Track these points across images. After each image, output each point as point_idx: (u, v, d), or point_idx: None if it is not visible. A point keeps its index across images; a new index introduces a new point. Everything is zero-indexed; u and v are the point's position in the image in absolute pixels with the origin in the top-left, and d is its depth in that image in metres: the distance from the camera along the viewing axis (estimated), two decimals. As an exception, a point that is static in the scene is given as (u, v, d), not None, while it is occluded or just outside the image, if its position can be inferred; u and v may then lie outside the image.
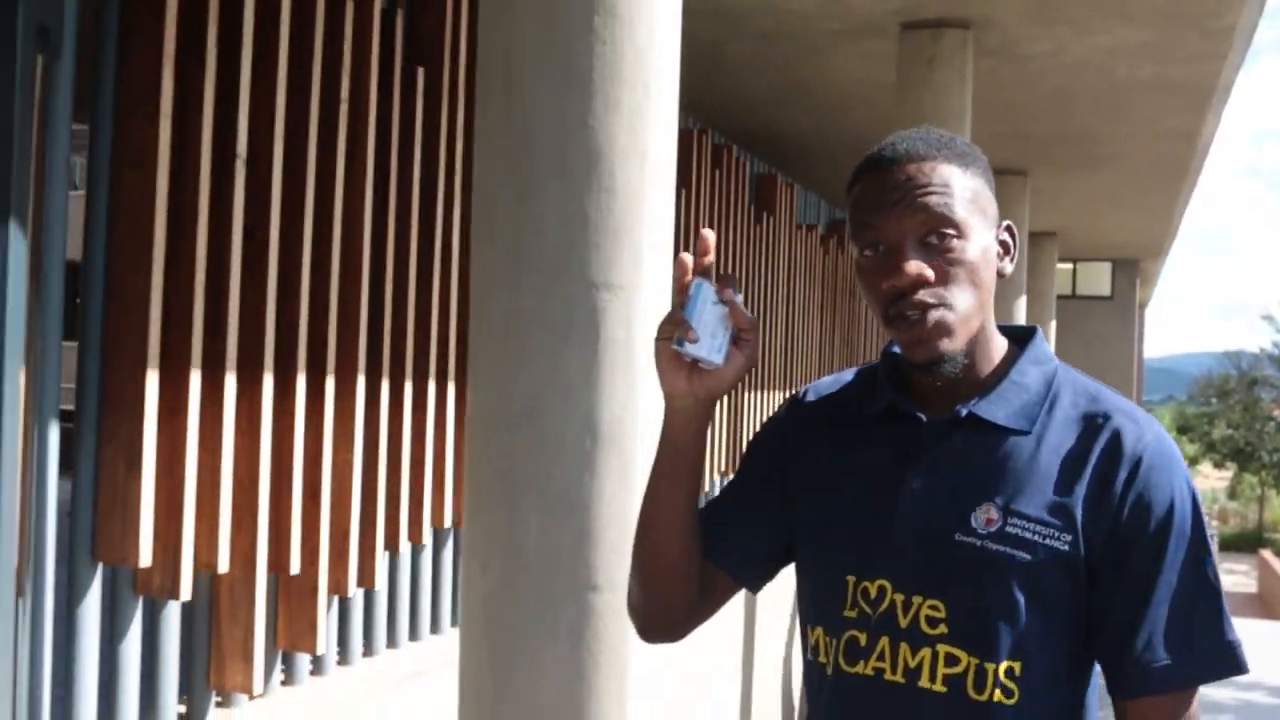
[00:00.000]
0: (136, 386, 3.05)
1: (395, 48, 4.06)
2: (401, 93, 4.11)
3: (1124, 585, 1.34)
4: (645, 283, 2.60)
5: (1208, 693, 12.46)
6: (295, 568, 3.59)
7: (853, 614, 1.41)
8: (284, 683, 3.79)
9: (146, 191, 3.04)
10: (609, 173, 2.56)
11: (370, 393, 3.96)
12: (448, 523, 4.42)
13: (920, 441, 1.42)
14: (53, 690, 2.90)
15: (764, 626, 8.43)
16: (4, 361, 2.37)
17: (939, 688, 1.35)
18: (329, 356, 3.70)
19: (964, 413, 1.40)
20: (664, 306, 2.59)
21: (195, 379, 3.19)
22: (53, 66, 2.58)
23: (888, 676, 1.38)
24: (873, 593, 1.40)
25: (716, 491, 6.90)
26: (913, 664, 1.36)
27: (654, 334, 1.43)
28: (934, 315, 1.35)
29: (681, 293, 1.37)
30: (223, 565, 3.30)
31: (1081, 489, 1.35)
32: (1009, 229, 1.45)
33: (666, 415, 1.45)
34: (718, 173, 7.57)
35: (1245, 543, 38.05)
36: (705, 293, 1.36)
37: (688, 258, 1.37)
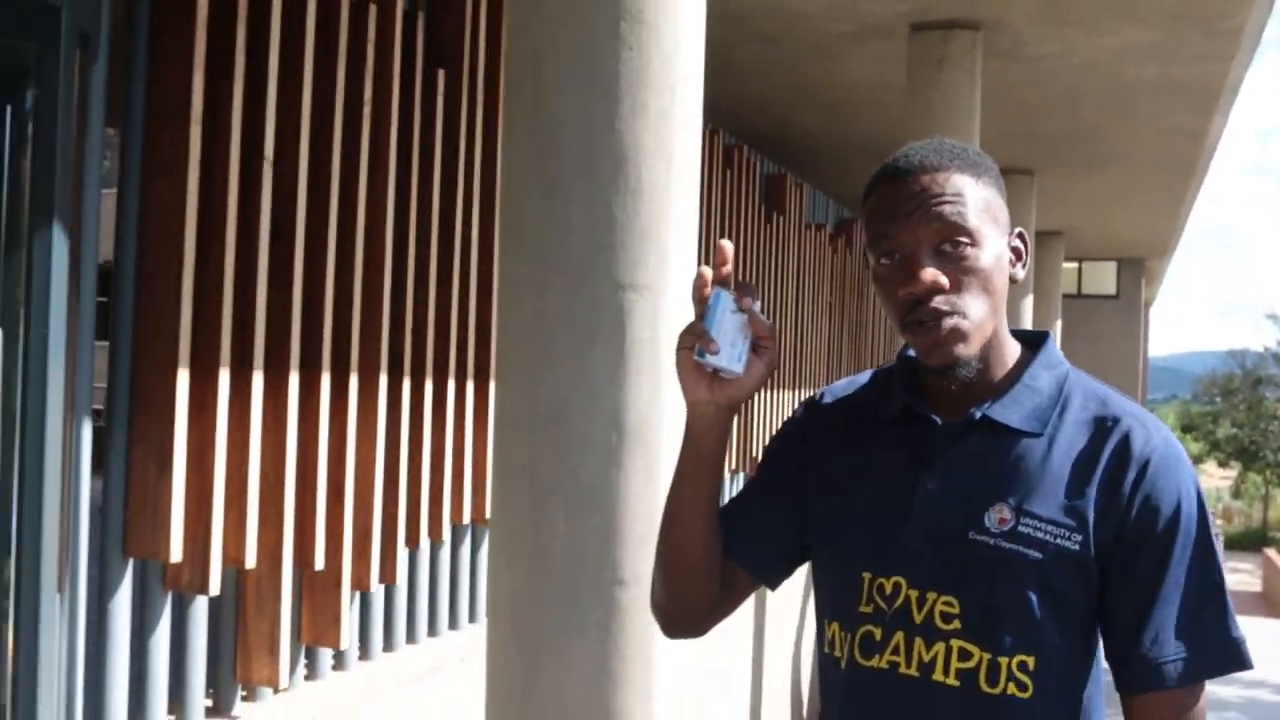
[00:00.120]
0: (167, 386, 3.10)
1: (416, 50, 4.11)
2: (422, 94, 4.15)
3: (1132, 583, 1.39)
4: (671, 283, 2.65)
5: (1213, 690, 12.47)
6: (319, 563, 3.64)
7: (868, 609, 1.45)
8: (306, 677, 3.84)
9: (177, 195, 3.09)
10: (635, 175, 2.60)
11: (392, 392, 4.01)
12: (466, 519, 4.47)
13: (935, 444, 1.46)
14: (86, 681, 2.96)
15: (775, 616, 8.48)
16: (47, 363, 2.42)
17: (952, 681, 1.39)
18: (352, 356, 3.76)
19: (978, 415, 1.44)
20: (688, 307, 2.63)
21: (224, 378, 3.24)
22: (89, 71, 2.63)
23: (902, 670, 1.42)
24: (888, 589, 1.44)
25: (729, 489, 6.95)
26: (927, 658, 1.40)
27: (678, 336, 1.47)
28: (949, 322, 1.39)
29: (701, 304, 1.41)
30: (250, 561, 3.35)
31: (1092, 490, 1.39)
32: (1021, 236, 1.49)
33: (689, 421, 1.49)
34: (729, 173, 7.61)
35: (1250, 541, 38.03)
36: (724, 302, 1.40)
37: (707, 270, 1.41)
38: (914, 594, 1.42)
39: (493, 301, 4.52)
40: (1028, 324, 10.83)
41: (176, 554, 3.12)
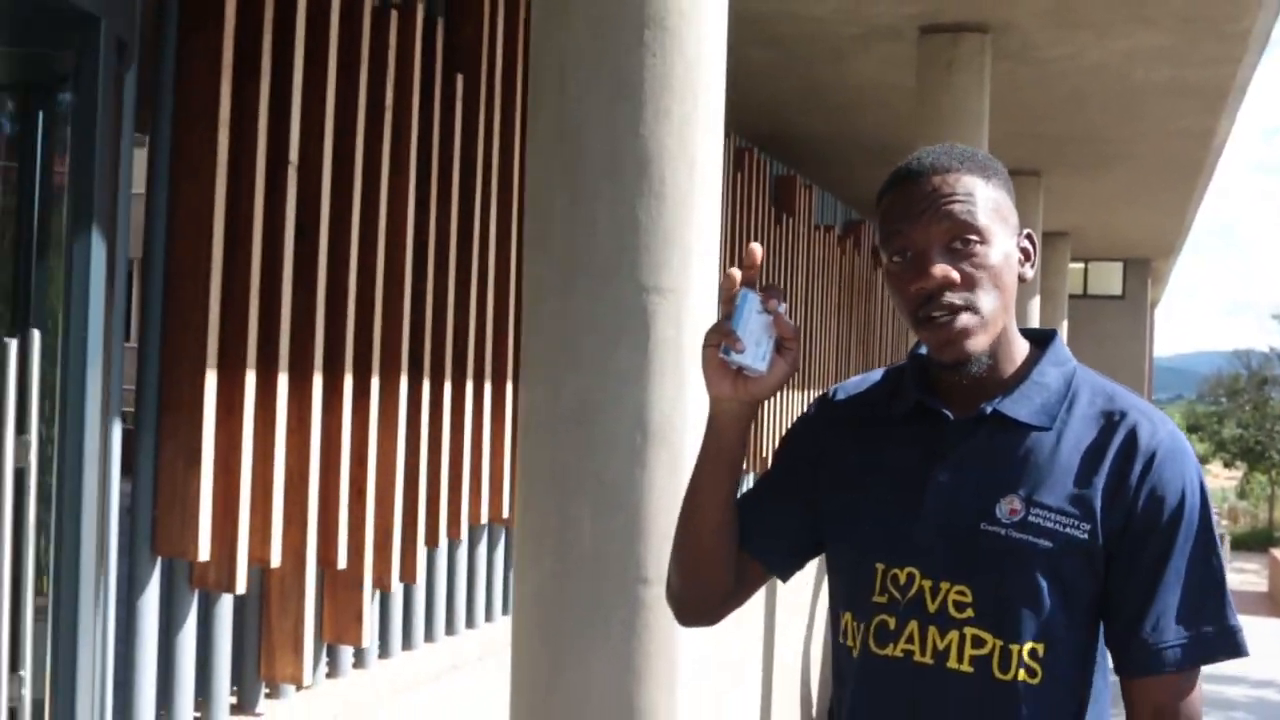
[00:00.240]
0: (195, 388, 3.14)
1: (436, 56, 4.16)
2: (442, 99, 4.20)
3: (1137, 572, 1.44)
4: (694, 286, 2.69)
5: (1221, 690, 12.51)
6: (342, 562, 3.68)
7: (882, 599, 1.49)
8: (328, 675, 3.88)
9: (205, 198, 3.14)
10: (659, 179, 2.64)
11: (412, 393, 4.05)
12: (485, 519, 4.52)
13: (946, 439, 1.50)
14: (115, 677, 3.01)
15: (786, 607, 8.53)
16: (86, 364, 2.46)
17: (966, 668, 1.44)
18: (374, 358, 3.80)
19: (989, 410, 1.49)
20: (711, 309, 2.68)
21: (250, 380, 3.29)
22: (123, 78, 2.68)
23: (917, 658, 1.46)
24: (901, 579, 1.48)
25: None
26: (941, 646, 1.45)
27: (702, 336, 1.52)
28: (961, 318, 1.44)
29: (729, 303, 1.46)
30: (275, 560, 3.40)
31: (1100, 481, 1.44)
32: (1029, 236, 1.54)
33: (711, 415, 1.55)
34: (739, 175, 7.66)
35: (1255, 542, 37.96)
36: (751, 303, 1.45)
37: (736, 272, 1.46)
38: (927, 584, 1.46)
39: (510, 303, 4.56)
40: (1034, 324, 10.85)
41: (204, 553, 3.17)
